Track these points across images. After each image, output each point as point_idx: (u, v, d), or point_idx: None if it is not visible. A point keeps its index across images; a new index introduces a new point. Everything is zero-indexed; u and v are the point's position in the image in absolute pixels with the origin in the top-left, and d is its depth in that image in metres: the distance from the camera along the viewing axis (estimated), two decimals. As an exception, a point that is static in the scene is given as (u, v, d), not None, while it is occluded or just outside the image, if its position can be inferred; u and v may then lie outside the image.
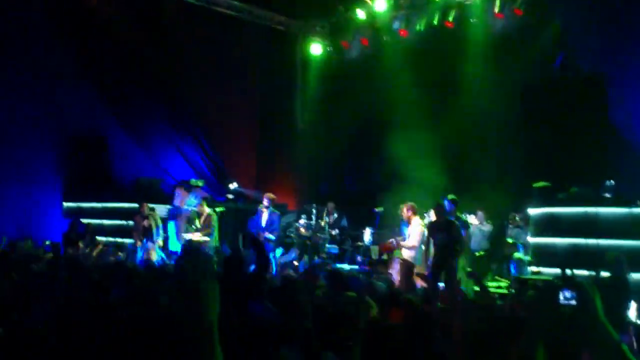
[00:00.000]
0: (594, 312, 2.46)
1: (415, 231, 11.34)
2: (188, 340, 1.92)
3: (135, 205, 14.27)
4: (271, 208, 12.98)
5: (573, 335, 3.95)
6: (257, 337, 3.83)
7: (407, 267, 10.87)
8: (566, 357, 3.84)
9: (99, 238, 14.38)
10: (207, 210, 13.39)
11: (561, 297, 2.58)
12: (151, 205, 14.30)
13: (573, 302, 2.58)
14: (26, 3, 14.46)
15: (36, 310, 4.81)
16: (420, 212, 12.21)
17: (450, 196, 11.28)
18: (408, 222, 11.57)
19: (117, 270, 6.62)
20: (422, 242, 11.21)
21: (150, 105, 16.39)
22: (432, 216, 12.29)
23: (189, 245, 12.56)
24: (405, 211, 11.53)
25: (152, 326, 3.22)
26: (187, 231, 13.12)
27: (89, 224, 14.71)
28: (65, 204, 16.19)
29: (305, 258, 13.51)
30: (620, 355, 2.37)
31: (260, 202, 13.43)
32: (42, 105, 15.07)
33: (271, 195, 13.19)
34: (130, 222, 14.34)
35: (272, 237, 12.82)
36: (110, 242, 14.70)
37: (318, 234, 14.30)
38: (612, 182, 10.08)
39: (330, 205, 14.87)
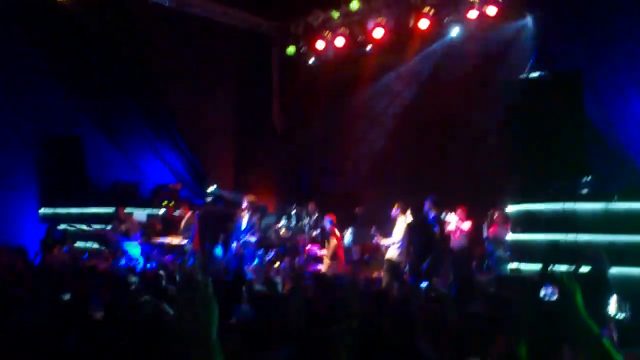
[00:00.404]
0: (574, 307, 2.44)
1: (398, 228, 11.51)
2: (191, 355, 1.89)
3: (113, 209, 14.15)
4: (252, 211, 12.94)
5: (554, 330, 3.96)
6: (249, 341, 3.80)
7: (392, 267, 10.94)
8: (547, 353, 3.84)
9: (77, 244, 14.22)
10: (188, 213, 13.35)
11: (542, 292, 2.57)
12: (128, 210, 14.19)
13: (554, 297, 2.57)
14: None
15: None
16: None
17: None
18: (394, 220, 11.76)
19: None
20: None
21: (127, 107, 16.22)
22: (408, 216, 12.44)
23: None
24: (394, 209, 11.77)
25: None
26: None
27: (65, 229, 14.53)
28: (42, 210, 15.96)
29: (287, 260, 13.44)
30: (601, 350, 2.36)
31: (240, 204, 13.38)
32: (16, 108, 14.78)
33: (251, 198, 13.17)
34: (108, 227, 14.22)
35: (252, 239, 12.79)
36: (89, 248, 14.54)
37: (298, 236, 14.26)
38: (589, 177, 10.16)
39: (311, 206, 14.84)
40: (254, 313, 4.97)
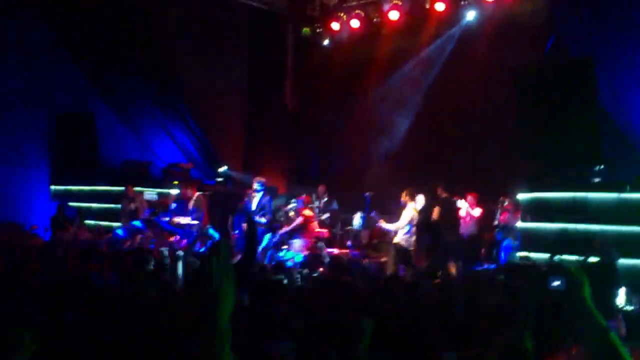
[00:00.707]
0: (582, 299, 2.41)
1: (405, 214, 11.46)
2: (198, 341, 1.85)
3: (124, 188, 14.19)
4: (262, 192, 12.92)
5: (560, 322, 3.93)
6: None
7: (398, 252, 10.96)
8: (552, 345, 3.82)
9: (87, 222, 14.29)
10: (196, 193, 13.32)
11: (550, 283, 2.53)
12: (138, 189, 14.21)
13: (562, 288, 2.53)
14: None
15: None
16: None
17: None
18: (404, 207, 11.73)
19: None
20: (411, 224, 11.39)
21: (138, 86, 16.21)
22: (420, 200, 12.41)
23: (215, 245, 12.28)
24: (403, 196, 11.73)
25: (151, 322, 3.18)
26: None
27: (78, 207, 14.60)
28: (53, 187, 16.03)
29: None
30: (608, 344, 2.33)
31: (250, 185, 13.35)
32: (28, 85, 14.83)
33: (261, 179, 13.13)
34: (119, 206, 14.28)
35: (263, 220, 12.78)
36: (99, 226, 14.61)
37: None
38: (602, 166, 10.06)
39: (321, 188, 14.81)
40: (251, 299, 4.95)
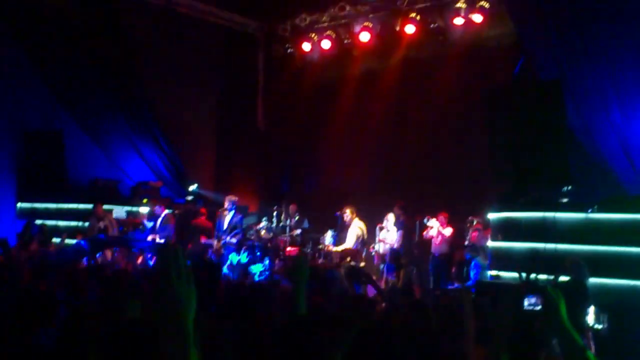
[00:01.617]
0: (558, 317, 2.43)
1: (351, 233, 12.02)
2: (163, 345, 1.82)
3: (92, 206, 14.00)
4: (234, 210, 12.89)
5: (533, 340, 3.95)
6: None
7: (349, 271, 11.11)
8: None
9: (54, 240, 14.03)
10: (165, 211, 13.25)
11: (526, 302, 2.55)
12: (107, 207, 14.04)
13: (538, 307, 2.56)
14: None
15: None
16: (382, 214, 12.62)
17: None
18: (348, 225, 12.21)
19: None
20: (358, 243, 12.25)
21: (107, 103, 16.05)
22: (389, 219, 12.61)
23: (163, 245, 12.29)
24: (348, 213, 12.17)
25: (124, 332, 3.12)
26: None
27: (42, 225, 14.34)
28: (19, 205, 15.75)
29: (266, 261, 13.38)
30: (585, 362, 2.35)
31: (221, 204, 13.30)
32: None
33: (233, 197, 13.12)
34: (86, 224, 14.08)
35: (233, 240, 12.73)
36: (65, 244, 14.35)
37: (279, 237, 14.22)
38: (570, 187, 10.21)
39: (292, 207, 14.81)
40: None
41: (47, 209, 15.40)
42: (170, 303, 1.82)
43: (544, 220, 9.77)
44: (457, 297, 7.78)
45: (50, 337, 4.05)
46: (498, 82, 12.76)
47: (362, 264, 12.45)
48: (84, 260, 11.54)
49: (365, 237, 12.84)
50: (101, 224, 13.49)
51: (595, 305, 7.43)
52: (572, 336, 2.41)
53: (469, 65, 13.90)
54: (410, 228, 12.85)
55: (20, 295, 5.04)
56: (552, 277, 7.49)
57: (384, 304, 6.57)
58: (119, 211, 14.71)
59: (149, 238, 12.78)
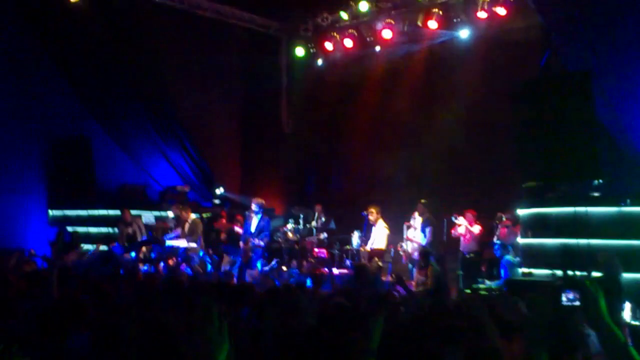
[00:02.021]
0: (598, 311, 2.36)
1: (381, 235, 11.99)
2: None
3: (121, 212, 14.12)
4: (261, 214, 12.90)
5: (570, 337, 3.88)
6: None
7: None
8: (564, 358, 3.76)
9: (85, 246, 14.18)
10: (192, 216, 13.28)
11: (564, 298, 2.49)
12: (135, 212, 14.14)
13: (576, 302, 2.49)
14: (5, 8, 14.24)
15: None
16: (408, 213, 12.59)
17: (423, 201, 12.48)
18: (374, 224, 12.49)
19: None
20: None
21: (134, 109, 16.20)
22: (417, 217, 12.54)
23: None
24: (372, 214, 12.07)
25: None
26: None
27: (74, 231, 14.51)
28: (51, 212, 15.94)
29: (294, 263, 13.38)
30: (628, 357, 2.28)
31: (248, 207, 13.32)
32: (25, 110, 14.83)
33: (260, 200, 13.13)
34: (117, 230, 14.20)
35: (261, 243, 12.74)
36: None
37: (306, 239, 14.20)
38: (601, 180, 10.03)
39: (318, 208, 14.77)
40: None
41: (78, 216, 15.58)
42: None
43: (575, 215, 9.60)
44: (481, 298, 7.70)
45: (83, 341, 4.09)
46: (524, 75, 12.58)
47: (382, 264, 12.39)
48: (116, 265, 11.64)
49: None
50: (129, 230, 13.59)
51: (630, 301, 7.28)
52: (613, 330, 2.34)
53: (494, 59, 13.73)
54: (436, 225, 12.74)
55: (54, 302, 5.11)
56: (584, 273, 7.39)
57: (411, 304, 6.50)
58: (148, 216, 14.82)
59: (177, 242, 12.81)
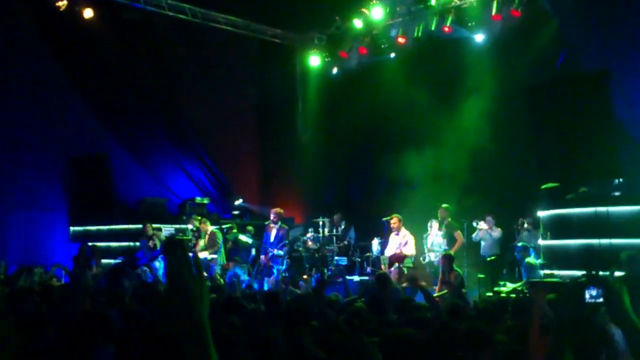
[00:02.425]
0: (623, 308, 2.35)
1: (410, 242, 12.21)
2: (179, 340, 1.82)
3: (141, 226, 14.21)
4: (280, 223, 12.91)
5: (597, 334, 3.85)
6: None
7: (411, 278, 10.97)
8: (588, 358, 3.73)
9: (105, 261, 14.28)
10: (210, 227, 13.34)
11: (587, 295, 2.47)
12: (155, 225, 14.22)
13: (599, 299, 2.47)
14: (21, 26, 14.44)
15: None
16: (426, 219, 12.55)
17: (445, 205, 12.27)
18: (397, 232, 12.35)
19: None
20: None
21: (150, 123, 16.35)
22: (433, 226, 12.48)
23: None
24: (395, 222, 12.26)
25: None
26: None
27: (94, 246, 14.60)
28: (72, 228, 16.10)
29: (314, 271, 13.38)
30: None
31: (267, 217, 13.35)
32: (44, 129, 15.04)
33: (278, 210, 13.13)
34: (137, 244, 14.28)
35: (280, 252, 12.75)
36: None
37: (326, 247, 14.19)
38: (621, 179, 9.95)
39: (337, 216, 14.76)
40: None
41: (99, 231, 15.70)
42: (185, 300, 1.82)
43: (596, 215, 9.53)
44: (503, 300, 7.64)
45: (108, 354, 4.14)
46: (541, 76, 12.52)
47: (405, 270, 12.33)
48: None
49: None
50: (150, 243, 13.66)
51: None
52: (638, 327, 2.33)
53: (509, 61, 13.68)
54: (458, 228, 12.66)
55: (81, 315, 5.18)
56: (607, 273, 7.30)
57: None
58: (168, 229, 14.89)
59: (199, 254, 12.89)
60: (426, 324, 5.12)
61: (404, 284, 11.21)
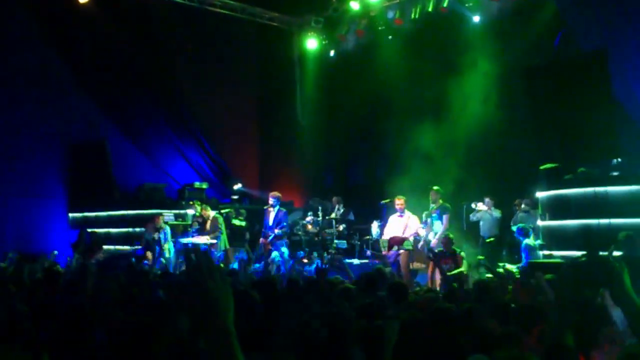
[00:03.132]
0: (623, 288, 2.36)
1: (414, 219, 11.99)
2: (205, 347, 1.84)
3: (141, 211, 14.24)
4: (278, 206, 12.93)
5: (593, 318, 3.86)
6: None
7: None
8: (588, 341, 3.76)
9: (105, 247, 14.30)
10: (212, 213, 13.35)
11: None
12: (155, 211, 14.19)
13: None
14: (20, 14, 14.38)
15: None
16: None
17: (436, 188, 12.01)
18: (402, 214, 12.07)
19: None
20: None
21: (149, 108, 16.32)
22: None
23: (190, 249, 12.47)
24: (402, 203, 11.96)
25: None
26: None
27: (93, 232, 14.61)
28: (71, 215, 16.11)
29: (315, 254, 13.39)
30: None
31: (267, 201, 13.37)
32: (42, 117, 15.01)
33: (277, 194, 13.16)
34: (136, 229, 14.31)
35: (279, 232, 12.79)
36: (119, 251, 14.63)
37: (326, 230, 14.20)
38: (620, 159, 9.95)
39: (336, 199, 14.75)
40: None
41: (97, 217, 15.71)
42: (207, 305, 1.83)
43: (595, 196, 9.54)
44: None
45: (102, 337, 4.19)
46: (539, 56, 12.48)
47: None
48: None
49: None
50: (156, 235, 13.55)
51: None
52: (639, 307, 2.34)
53: (507, 40, 13.63)
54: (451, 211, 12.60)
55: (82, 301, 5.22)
56: (605, 253, 7.34)
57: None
58: (168, 215, 14.89)
59: (198, 239, 12.92)
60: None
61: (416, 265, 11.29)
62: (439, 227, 12.16)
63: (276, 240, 12.85)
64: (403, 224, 12.16)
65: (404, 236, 12.14)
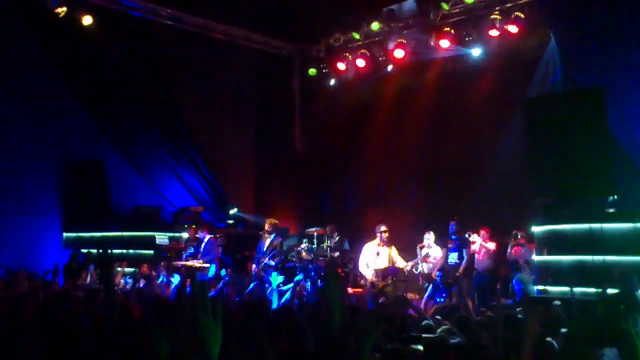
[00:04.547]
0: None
1: (395, 253, 12.34)
2: None
3: (136, 233, 14.19)
4: (274, 234, 12.91)
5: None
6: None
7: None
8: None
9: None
10: (207, 236, 13.35)
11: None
12: (150, 234, 14.16)
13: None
14: (20, 32, 14.43)
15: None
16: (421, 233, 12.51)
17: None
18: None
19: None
20: None
21: (147, 131, 16.32)
22: (429, 237, 12.45)
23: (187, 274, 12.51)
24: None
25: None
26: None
27: (87, 253, 14.52)
28: (65, 235, 16.02)
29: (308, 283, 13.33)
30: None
31: (262, 227, 13.35)
32: (39, 135, 14.98)
33: (273, 221, 13.15)
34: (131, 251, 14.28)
35: (272, 263, 12.74)
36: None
37: (320, 258, 14.13)
38: (616, 197, 9.96)
39: (330, 227, 14.70)
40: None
41: (92, 238, 15.62)
42: (196, 337, 1.80)
43: (590, 232, 9.53)
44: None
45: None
46: (537, 92, 12.56)
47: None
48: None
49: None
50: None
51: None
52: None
53: (506, 77, 13.73)
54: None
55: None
56: (600, 290, 7.28)
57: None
58: (162, 238, 14.86)
59: (191, 262, 12.89)
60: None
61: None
62: (455, 258, 12.26)
63: (267, 269, 12.82)
64: (390, 255, 12.23)
65: (400, 267, 12.15)
